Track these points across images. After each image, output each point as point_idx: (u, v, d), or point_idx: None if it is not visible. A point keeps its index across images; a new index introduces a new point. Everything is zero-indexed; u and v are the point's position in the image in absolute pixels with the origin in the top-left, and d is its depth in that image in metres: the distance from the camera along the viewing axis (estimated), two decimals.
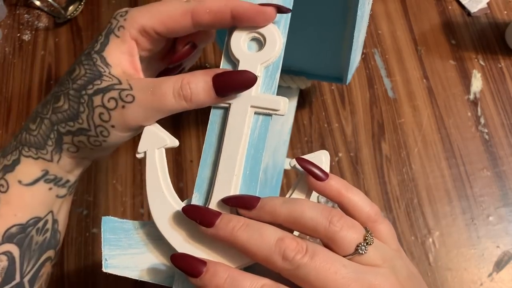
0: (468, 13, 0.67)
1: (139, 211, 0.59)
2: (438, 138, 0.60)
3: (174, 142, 0.27)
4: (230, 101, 0.26)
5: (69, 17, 0.74)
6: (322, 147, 0.60)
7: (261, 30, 0.27)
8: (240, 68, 0.26)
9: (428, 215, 0.56)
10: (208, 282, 0.24)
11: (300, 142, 0.61)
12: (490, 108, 0.61)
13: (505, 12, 0.67)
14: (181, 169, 0.62)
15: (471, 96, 0.62)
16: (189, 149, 0.64)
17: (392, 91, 0.63)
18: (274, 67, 0.26)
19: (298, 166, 0.25)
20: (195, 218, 0.25)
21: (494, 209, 0.56)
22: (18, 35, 0.76)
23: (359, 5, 0.34)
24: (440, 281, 0.54)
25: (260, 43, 0.27)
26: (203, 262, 0.24)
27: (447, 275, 0.53)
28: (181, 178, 0.62)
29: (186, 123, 0.65)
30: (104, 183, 0.63)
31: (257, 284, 0.23)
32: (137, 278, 0.27)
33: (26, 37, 0.75)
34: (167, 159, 0.28)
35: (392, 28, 0.68)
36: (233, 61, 0.27)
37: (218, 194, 0.25)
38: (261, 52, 0.26)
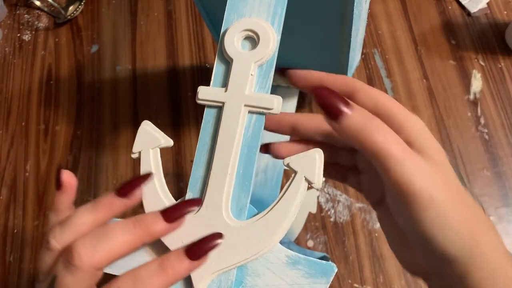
0: (468, 13, 0.67)
1: (139, 211, 0.59)
2: (438, 138, 0.60)
3: (168, 142, 0.27)
4: (223, 100, 0.26)
5: (69, 17, 0.74)
6: None
7: (254, 28, 0.26)
8: (234, 66, 0.26)
9: None
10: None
11: None
12: (490, 108, 0.61)
13: (505, 12, 0.66)
14: (181, 169, 0.62)
15: (471, 96, 0.62)
16: (189, 149, 0.64)
17: (392, 91, 0.63)
18: (268, 65, 0.26)
19: (291, 165, 0.25)
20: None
21: (494, 209, 0.55)
22: (18, 35, 0.76)
23: (355, 3, 0.34)
24: None
25: (254, 41, 0.27)
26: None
27: None
28: (181, 178, 0.62)
29: (186, 123, 0.65)
30: (104, 183, 0.63)
31: None
32: None
33: (26, 37, 0.76)
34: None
35: (392, 28, 0.67)
36: (227, 60, 0.27)
37: (211, 194, 0.25)
38: (255, 50, 0.26)
